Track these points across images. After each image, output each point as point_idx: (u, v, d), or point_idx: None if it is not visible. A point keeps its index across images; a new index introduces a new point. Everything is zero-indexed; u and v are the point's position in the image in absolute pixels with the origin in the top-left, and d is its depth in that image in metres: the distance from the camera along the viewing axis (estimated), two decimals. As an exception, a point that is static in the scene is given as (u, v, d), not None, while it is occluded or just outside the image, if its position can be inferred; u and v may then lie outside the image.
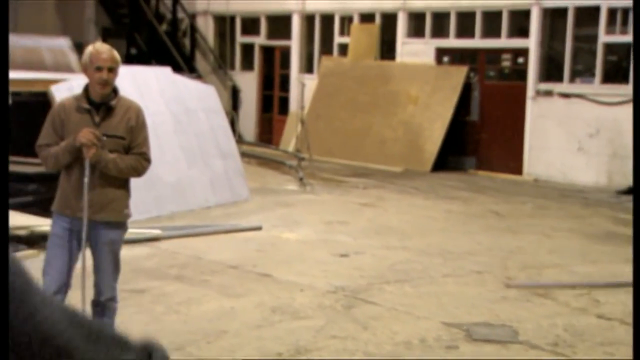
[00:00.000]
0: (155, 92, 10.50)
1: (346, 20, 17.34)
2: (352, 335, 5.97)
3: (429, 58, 15.88)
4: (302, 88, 16.19)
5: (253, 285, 7.37)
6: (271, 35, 18.90)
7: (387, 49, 16.62)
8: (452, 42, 15.75)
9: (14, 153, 11.58)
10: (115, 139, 4.87)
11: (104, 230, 4.91)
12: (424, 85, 15.45)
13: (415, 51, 15.98)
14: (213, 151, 11.47)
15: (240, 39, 19.41)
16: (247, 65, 19.36)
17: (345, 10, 17.16)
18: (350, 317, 6.47)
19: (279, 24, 18.58)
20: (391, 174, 14.70)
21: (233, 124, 15.97)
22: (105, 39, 15.44)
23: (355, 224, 10.18)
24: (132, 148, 4.92)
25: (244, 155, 13.07)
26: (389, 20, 16.53)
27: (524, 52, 14.69)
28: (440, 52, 15.88)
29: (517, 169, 14.79)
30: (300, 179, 13.25)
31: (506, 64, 15.47)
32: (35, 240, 8.24)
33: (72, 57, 11.36)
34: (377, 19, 16.70)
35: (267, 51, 19.12)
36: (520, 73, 14.97)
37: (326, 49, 17.72)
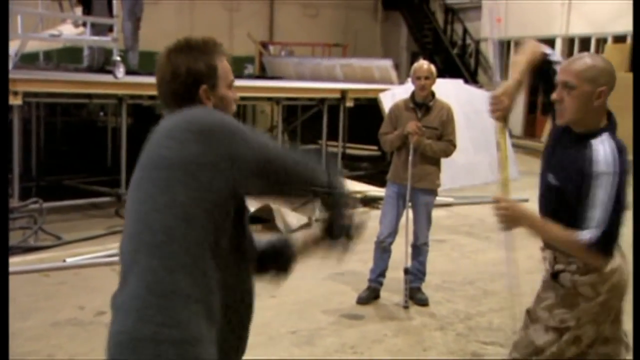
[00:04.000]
0: (452, 98, 10.52)
1: (601, 42, 16.18)
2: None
3: (673, 70, 14.36)
4: (563, 95, 15.38)
5: (525, 242, 7.14)
6: (538, 54, 18.12)
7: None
8: (693, 56, 14.11)
9: (352, 141, 12.17)
10: (432, 130, 4.96)
11: (422, 195, 5.03)
12: (667, 92, 13.97)
13: (661, 64, 14.54)
14: (492, 142, 11.33)
15: (513, 57, 18.82)
16: (518, 78, 18.71)
17: (601, 34, 16.02)
18: (603, 270, 6.13)
19: (545, 45, 17.74)
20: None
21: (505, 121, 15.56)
22: (413, 60, 15.70)
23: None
24: (443, 136, 5.00)
25: (513, 145, 12.70)
26: None
27: None
28: (683, 65, 14.29)
29: None
30: (560, 165, 12.63)
31: None
32: (367, 202, 8.60)
33: (393, 73, 11.65)
34: (628, 40, 15.40)
35: (535, 67, 18.36)
36: None
37: (583, 64, 16.66)
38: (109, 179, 8.38)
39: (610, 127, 2.45)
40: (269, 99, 10.06)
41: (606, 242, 2.31)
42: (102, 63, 9.23)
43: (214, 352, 1.55)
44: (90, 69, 9.16)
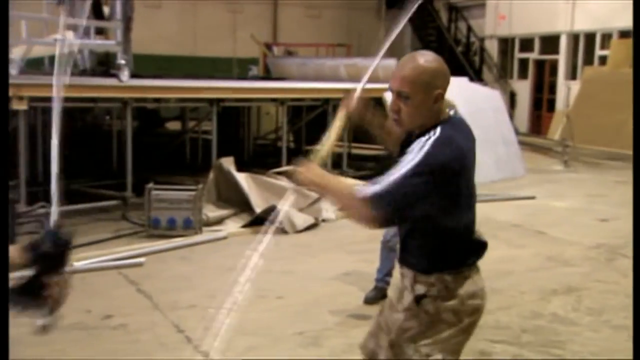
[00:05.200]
0: (456, 96, 10.47)
1: (606, 37, 16.12)
2: (615, 281, 5.62)
3: (678, 65, 14.25)
4: (568, 91, 15.37)
5: (531, 240, 7.17)
6: (543, 51, 18.08)
7: (641, 59, 15.21)
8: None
9: (358, 141, 12.16)
10: (436, 129, 4.95)
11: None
12: (673, 87, 13.87)
13: (665, 59, 14.47)
14: (497, 139, 11.28)
15: (518, 55, 18.76)
16: (522, 75, 18.68)
17: (606, 29, 15.95)
18: (611, 267, 6.09)
19: (550, 42, 17.69)
20: (642, 158, 13.45)
21: (511, 119, 15.55)
22: (418, 59, 15.67)
23: (611, 197, 9.51)
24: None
25: (519, 143, 12.66)
26: (644, 35, 15.12)
27: None
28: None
29: None
30: (565, 161, 12.60)
31: None
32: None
33: (397, 72, 11.59)
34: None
35: (539, 64, 18.30)
36: None
37: (588, 60, 16.62)
38: (115, 183, 8.39)
39: (445, 121, 2.26)
40: (274, 100, 10.05)
41: (377, 201, 2.10)
42: (95, 66, 9.25)
43: None
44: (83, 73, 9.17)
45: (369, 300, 5.07)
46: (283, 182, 7.88)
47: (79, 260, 5.80)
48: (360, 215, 2.17)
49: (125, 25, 8.90)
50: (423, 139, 2.20)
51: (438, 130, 2.21)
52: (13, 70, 6.99)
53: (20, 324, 4.55)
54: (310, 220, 7.37)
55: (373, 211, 2.11)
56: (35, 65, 10.33)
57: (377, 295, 5.11)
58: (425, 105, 2.21)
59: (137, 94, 7.79)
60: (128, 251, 6.15)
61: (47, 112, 9.70)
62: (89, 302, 4.87)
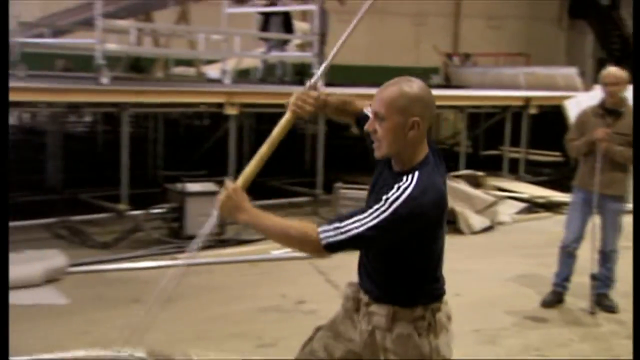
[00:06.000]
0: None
1: None
2: None
3: None
4: None
5: None
6: None
7: None
8: None
9: (535, 147, 11.56)
10: (622, 136, 4.57)
11: (610, 202, 4.65)
12: None
13: None
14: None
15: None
16: None
17: None
18: None
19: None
20: None
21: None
22: (599, 68, 14.57)
23: None
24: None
25: None
26: None
27: None
28: None
29: None
30: None
31: None
32: (550, 207, 8.14)
33: (578, 81, 10.93)
34: None
35: None
36: None
37: None
38: (307, 181, 8.70)
39: (424, 162, 2.03)
40: (454, 107, 9.87)
41: (330, 250, 1.96)
42: (282, 76, 9.69)
43: None
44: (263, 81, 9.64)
45: (546, 304, 4.81)
46: (461, 185, 7.71)
47: (275, 250, 6.07)
48: (310, 252, 2.06)
49: (320, 39, 9.22)
50: (400, 185, 1.97)
51: (416, 176, 1.98)
52: (227, 80, 7.53)
53: (229, 303, 4.83)
54: (486, 222, 7.14)
55: (325, 254, 2.01)
56: (244, 75, 10.99)
57: (554, 299, 4.84)
58: (400, 130, 2.00)
59: (329, 101, 8.02)
60: (318, 243, 6.32)
61: (252, 116, 10.31)
62: (284, 288, 5.08)
